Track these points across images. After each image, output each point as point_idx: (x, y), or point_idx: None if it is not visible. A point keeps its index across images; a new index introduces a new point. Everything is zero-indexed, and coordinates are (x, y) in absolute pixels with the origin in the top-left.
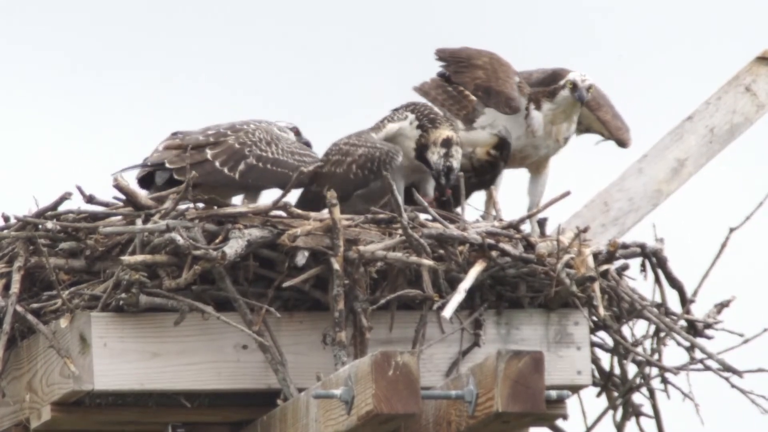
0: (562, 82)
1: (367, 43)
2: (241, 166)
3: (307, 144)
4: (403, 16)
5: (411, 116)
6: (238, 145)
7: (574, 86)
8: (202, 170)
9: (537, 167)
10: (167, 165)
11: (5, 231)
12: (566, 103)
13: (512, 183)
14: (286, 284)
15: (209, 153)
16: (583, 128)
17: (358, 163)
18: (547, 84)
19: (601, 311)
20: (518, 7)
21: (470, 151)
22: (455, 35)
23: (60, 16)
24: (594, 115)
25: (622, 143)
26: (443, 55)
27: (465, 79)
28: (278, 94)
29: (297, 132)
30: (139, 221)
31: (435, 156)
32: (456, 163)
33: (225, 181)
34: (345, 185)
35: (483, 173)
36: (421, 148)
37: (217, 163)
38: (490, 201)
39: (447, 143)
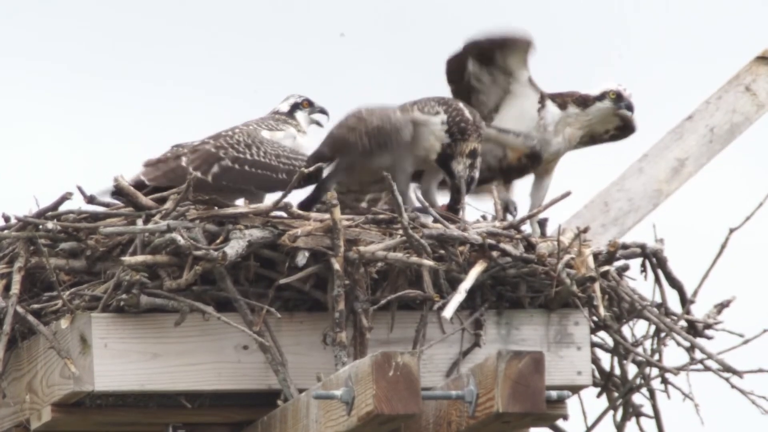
0: (597, 93)
1: (372, 49)
2: (215, 169)
3: (323, 111)
4: (416, 19)
5: (443, 116)
6: (213, 149)
7: (620, 96)
8: (173, 174)
9: (545, 169)
10: (142, 178)
11: (6, 231)
12: (601, 114)
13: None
14: (282, 281)
15: (184, 159)
16: (587, 138)
17: (368, 129)
18: None
19: (602, 311)
20: (518, 11)
21: (501, 156)
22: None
23: (60, 22)
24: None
25: (628, 122)
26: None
27: None
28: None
29: (309, 103)
30: (139, 221)
31: (461, 166)
32: (477, 173)
33: (197, 183)
34: (353, 152)
35: (509, 175)
36: (446, 157)
37: (190, 168)
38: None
39: (473, 154)
